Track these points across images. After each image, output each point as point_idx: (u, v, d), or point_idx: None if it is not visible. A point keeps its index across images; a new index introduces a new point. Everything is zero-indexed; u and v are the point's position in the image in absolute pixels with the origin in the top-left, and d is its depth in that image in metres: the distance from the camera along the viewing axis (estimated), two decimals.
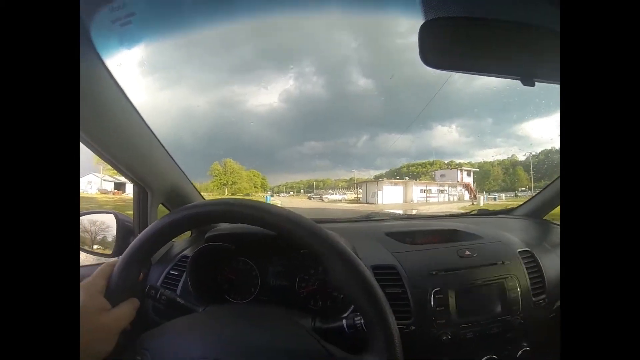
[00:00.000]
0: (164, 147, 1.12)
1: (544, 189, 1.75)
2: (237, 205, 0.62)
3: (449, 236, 1.29)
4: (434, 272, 1.02)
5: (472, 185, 9.54)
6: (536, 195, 1.78)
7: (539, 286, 1.11)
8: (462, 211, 1.93)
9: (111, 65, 0.77)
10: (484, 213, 1.85)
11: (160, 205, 1.26)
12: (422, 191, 9.83)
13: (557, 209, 1.68)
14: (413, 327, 0.95)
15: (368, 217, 1.74)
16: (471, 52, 0.71)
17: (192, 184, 1.37)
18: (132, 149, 1.02)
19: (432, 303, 0.97)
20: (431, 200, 9.65)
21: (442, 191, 9.78)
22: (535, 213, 1.73)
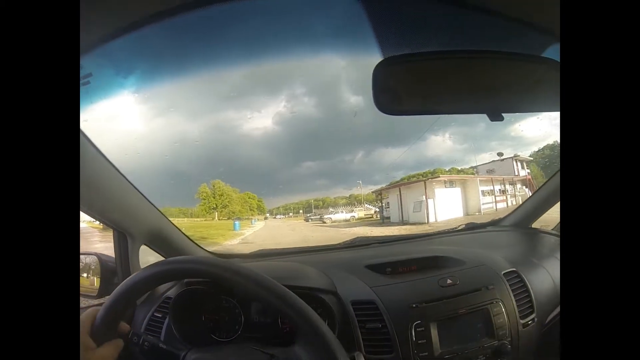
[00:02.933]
0: (138, 190, 1.10)
1: (531, 196, 1.75)
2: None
3: (431, 264, 1.26)
4: (414, 305, 0.99)
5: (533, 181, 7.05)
6: (523, 203, 1.77)
7: (527, 307, 1.09)
8: (449, 228, 1.89)
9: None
10: (471, 227, 1.82)
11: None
12: (485, 193, 6.80)
13: (549, 214, 1.66)
14: None
15: (349, 244, 1.67)
16: (431, 91, 0.68)
17: (172, 223, 1.34)
18: (103, 197, 1.00)
19: (414, 336, 0.95)
20: (502, 206, 6.61)
21: (503, 191, 6.96)
22: (523, 222, 1.71)
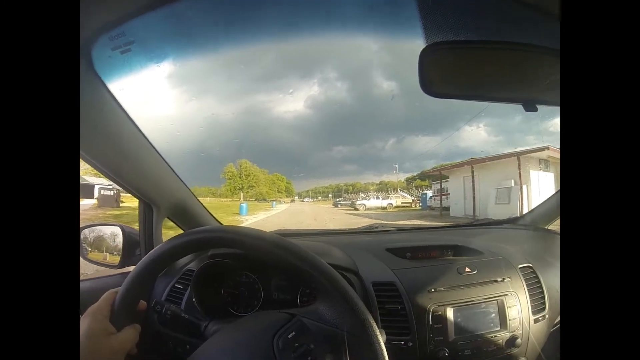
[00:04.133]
0: (167, 163, 1.11)
1: (550, 197, 1.70)
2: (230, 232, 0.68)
3: (450, 252, 1.26)
4: (432, 290, 1.00)
5: None
6: (542, 203, 1.73)
7: (539, 302, 1.08)
8: (467, 222, 1.86)
9: (114, 89, 0.77)
10: (488, 223, 1.79)
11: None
12: None
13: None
14: (411, 344, 0.93)
15: (370, 229, 1.70)
16: (471, 78, 0.68)
17: (196, 198, 1.37)
18: (134, 167, 1.01)
19: (430, 320, 0.95)
20: None
21: None
22: (539, 222, 1.68)
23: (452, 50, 0.64)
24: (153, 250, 0.70)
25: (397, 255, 1.20)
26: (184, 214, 1.32)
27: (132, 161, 0.99)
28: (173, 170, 1.16)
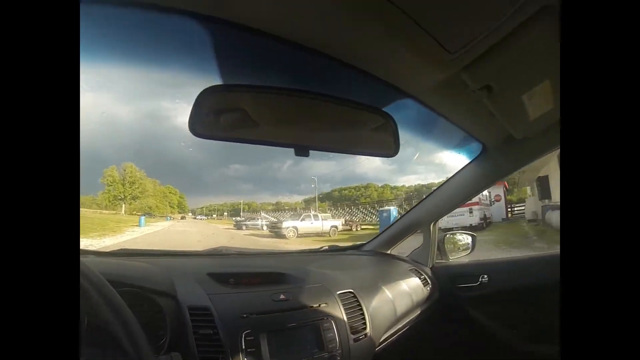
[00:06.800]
0: None
1: (391, 225, 1.89)
2: None
3: (273, 279, 1.28)
4: (244, 315, 1.01)
5: None
6: (384, 230, 1.92)
7: (360, 323, 1.16)
8: (312, 248, 1.95)
9: None
10: (333, 249, 1.89)
11: None
12: None
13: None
14: None
15: (214, 252, 1.62)
16: (244, 121, 0.70)
17: None
18: None
19: (243, 345, 0.96)
20: None
21: None
22: (382, 248, 1.84)
23: (229, 93, 0.68)
24: None
25: (219, 280, 1.19)
26: None
27: None
28: None
